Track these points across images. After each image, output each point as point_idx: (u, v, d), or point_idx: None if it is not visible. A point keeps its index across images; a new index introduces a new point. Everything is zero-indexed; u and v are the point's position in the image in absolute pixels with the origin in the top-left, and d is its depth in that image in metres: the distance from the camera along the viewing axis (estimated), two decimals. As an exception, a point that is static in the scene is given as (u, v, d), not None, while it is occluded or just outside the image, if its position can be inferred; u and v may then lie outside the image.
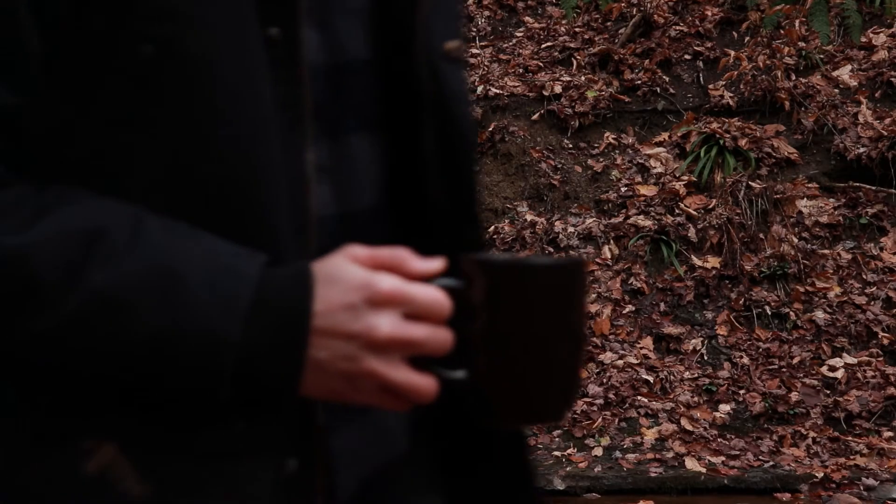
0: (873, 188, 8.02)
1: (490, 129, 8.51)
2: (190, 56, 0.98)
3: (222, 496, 1.00)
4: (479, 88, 8.70)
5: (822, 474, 6.32)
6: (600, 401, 7.12)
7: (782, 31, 8.72)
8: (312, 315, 0.96)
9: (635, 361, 7.36)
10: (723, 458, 6.62)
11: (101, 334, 0.94)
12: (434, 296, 0.98)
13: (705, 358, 7.45)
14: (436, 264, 1.01)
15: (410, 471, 1.22)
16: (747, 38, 8.89)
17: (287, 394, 0.97)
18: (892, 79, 8.45)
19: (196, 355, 0.94)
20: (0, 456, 1.01)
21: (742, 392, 7.10)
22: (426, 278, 1.00)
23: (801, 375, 7.16)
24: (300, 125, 1.04)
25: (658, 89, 8.72)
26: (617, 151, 8.52)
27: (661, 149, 8.43)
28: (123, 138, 0.99)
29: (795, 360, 7.26)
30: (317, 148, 1.07)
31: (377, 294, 0.96)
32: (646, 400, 7.08)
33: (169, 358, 0.94)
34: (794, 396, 7.00)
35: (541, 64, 8.99)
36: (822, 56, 8.61)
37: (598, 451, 6.79)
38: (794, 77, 8.52)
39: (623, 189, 8.22)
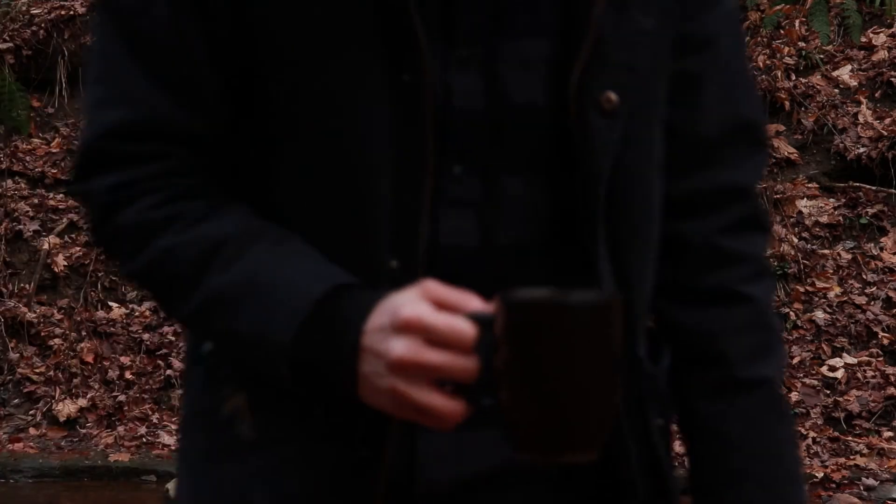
0: (873, 188, 8.02)
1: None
2: (314, 96, 1.16)
3: (295, 461, 1.21)
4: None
5: (821, 474, 6.31)
6: (600, 401, 7.13)
7: (782, 31, 8.72)
8: (362, 333, 1.09)
9: (635, 361, 7.35)
10: (723, 458, 6.62)
11: (214, 325, 1.18)
12: (453, 325, 1.05)
13: (705, 358, 7.45)
14: (489, 306, 1.06)
15: (522, 487, 1.26)
16: (747, 38, 8.88)
17: (344, 398, 1.11)
18: (892, 79, 8.44)
19: (262, 354, 1.14)
20: (196, 388, 1.31)
21: (742, 392, 7.10)
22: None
23: (801, 375, 7.16)
24: (422, 162, 1.16)
25: (658, 89, 8.72)
26: (617, 151, 8.52)
27: (660, 149, 8.44)
28: (269, 161, 1.20)
29: (795, 360, 7.25)
30: (462, 185, 1.19)
31: (398, 319, 1.06)
32: (645, 400, 7.08)
33: (250, 353, 1.16)
34: (793, 396, 6.99)
35: (541, 64, 8.99)
36: (822, 56, 8.60)
37: (598, 451, 6.79)
38: (793, 77, 8.52)
39: (623, 189, 8.22)
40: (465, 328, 1.05)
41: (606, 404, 1.04)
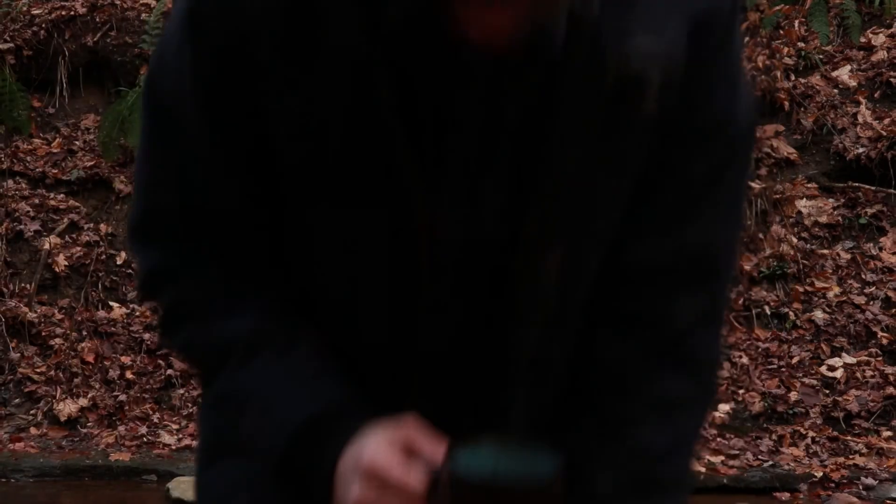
0: (872, 188, 8.03)
1: (490, 129, 8.51)
2: (320, 218, 1.27)
3: (274, 475, 1.34)
4: (479, 89, 8.71)
5: (821, 474, 6.32)
6: (600, 400, 7.14)
7: (781, 32, 8.73)
8: (337, 464, 1.23)
9: (635, 361, 7.36)
10: (722, 458, 6.63)
11: (226, 412, 1.35)
12: (405, 478, 1.17)
13: (705, 358, 7.46)
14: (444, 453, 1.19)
15: None
16: (747, 39, 8.89)
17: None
18: (892, 79, 8.46)
19: (258, 453, 1.33)
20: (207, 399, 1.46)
21: (741, 391, 7.11)
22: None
23: (801, 375, 7.17)
24: (413, 281, 1.27)
25: (657, 89, 8.73)
26: (616, 152, 8.52)
27: (660, 149, 8.44)
28: (292, 252, 1.31)
29: (795, 360, 7.27)
30: (447, 301, 1.30)
31: (359, 466, 1.20)
32: (645, 399, 7.09)
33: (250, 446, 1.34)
34: (793, 396, 7.01)
35: (540, 64, 9.00)
36: (821, 56, 8.62)
37: (598, 451, 6.79)
38: (793, 77, 8.53)
39: (622, 189, 8.23)
40: (415, 482, 1.17)
41: None
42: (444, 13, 1.15)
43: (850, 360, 7.18)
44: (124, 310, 7.71)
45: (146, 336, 7.52)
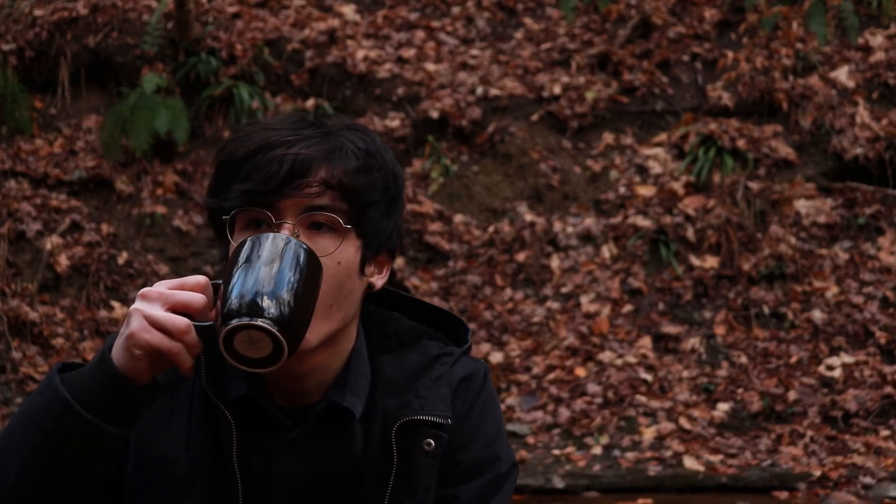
0: (870, 188, 8.07)
1: (490, 129, 8.55)
2: None
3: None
4: (479, 90, 8.75)
5: (819, 473, 6.36)
6: (599, 400, 7.17)
7: (780, 33, 8.77)
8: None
9: (634, 360, 7.40)
10: (721, 457, 6.66)
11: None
12: (174, 294, 1.49)
13: (703, 357, 7.49)
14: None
15: None
16: (745, 40, 8.93)
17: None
18: (889, 80, 8.49)
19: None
20: None
21: (740, 391, 7.15)
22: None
23: (799, 374, 7.21)
24: None
25: (657, 90, 8.76)
26: (616, 152, 8.56)
27: (659, 149, 8.48)
28: None
29: (793, 360, 7.30)
30: None
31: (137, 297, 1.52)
32: (644, 399, 7.13)
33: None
34: (791, 395, 7.04)
35: (540, 65, 9.03)
36: (819, 57, 8.65)
37: (597, 450, 6.82)
38: (791, 78, 8.56)
39: (622, 189, 8.26)
40: (184, 297, 1.50)
41: None
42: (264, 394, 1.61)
43: (848, 359, 7.22)
44: (126, 309, 7.74)
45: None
